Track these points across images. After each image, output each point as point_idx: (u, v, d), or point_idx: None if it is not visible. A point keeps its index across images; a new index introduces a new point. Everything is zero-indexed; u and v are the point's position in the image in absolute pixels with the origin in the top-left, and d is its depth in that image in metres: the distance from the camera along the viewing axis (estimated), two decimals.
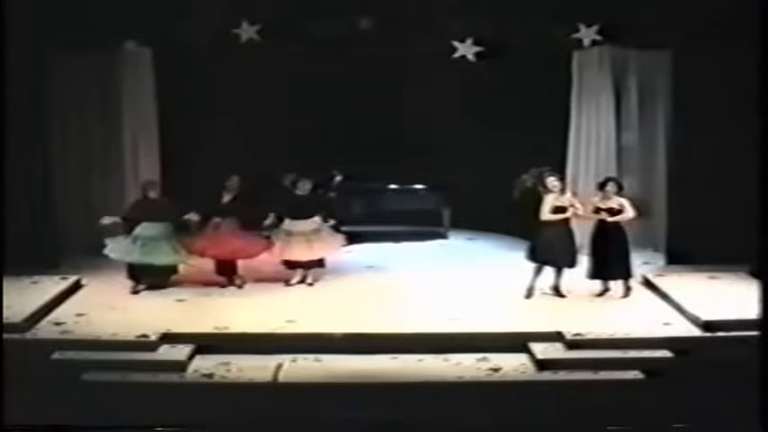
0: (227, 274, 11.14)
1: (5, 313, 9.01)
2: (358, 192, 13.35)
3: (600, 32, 11.93)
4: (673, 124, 11.94)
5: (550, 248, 10.43)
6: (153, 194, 10.92)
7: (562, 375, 8.73)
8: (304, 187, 11.16)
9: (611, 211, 10.43)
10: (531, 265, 10.57)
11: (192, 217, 10.93)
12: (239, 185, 11.10)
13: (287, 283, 11.19)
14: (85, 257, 11.59)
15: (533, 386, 8.58)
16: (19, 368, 7.71)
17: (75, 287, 10.90)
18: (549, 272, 10.59)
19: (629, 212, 10.47)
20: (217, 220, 11.04)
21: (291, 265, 11.25)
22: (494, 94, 12.98)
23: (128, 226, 10.83)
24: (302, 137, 13.20)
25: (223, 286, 11.07)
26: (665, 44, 11.68)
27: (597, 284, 10.67)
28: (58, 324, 9.65)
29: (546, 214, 10.37)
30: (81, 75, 12.12)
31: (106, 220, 10.86)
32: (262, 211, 11.21)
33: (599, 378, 8.65)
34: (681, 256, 11.71)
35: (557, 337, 9.26)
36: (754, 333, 7.84)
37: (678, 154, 11.81)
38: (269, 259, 11.29)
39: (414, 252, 13.07)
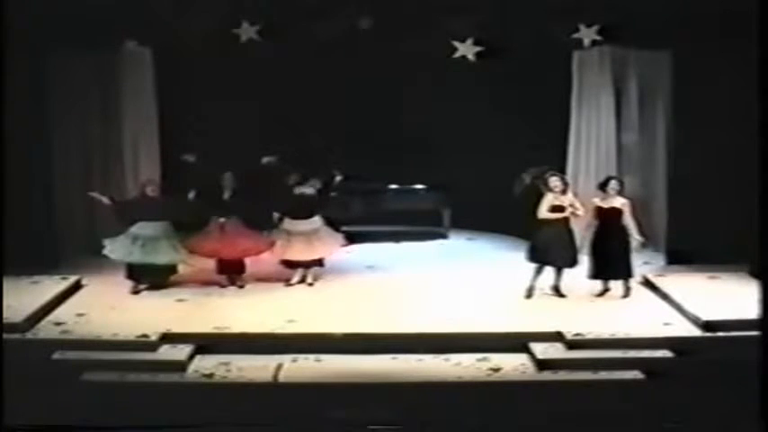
0: (232, 274, 11.11)
1: (5, 313, 9.00)
2: (358, 192, 13.33)
3: (600, 32, 11.91)
4: (673, 124, 11.94)
5: (550, 248, 10.42)
6: (152, 193, 10.92)
7: (562, 375, 8.73)
8: (303, 187, 11.16)
9: (614, 210, 10.42)
10: (531, 265, 10.57)
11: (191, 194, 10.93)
12: (233, 182, 11.06)
13: (287, 283, 11.19)
14: (85, 257, 11.59)
15: (533, 386, 8.58)
16: (19, 368, 7.72)
17: (75, 287, 10.89)
18: (549, 272, 10.59)
19: (626, 214, 10.46)
20: (220, 220, 11.02)
21: (291, 264, 11.25)
22: (493, 95, 12.98)
23: (116, 211, 10.83)
24: (302, 137, 13.20)
25: (223, 286, 11.07)
26: (665, 44, 11.68)
27: (597, 284, 10.67)
28: (58, 324, 9.65)
29: (543, 213, 10.37)
30: (81, 75, 12.10)
31: (93, 195, 10.93)
32: (261, 210, 11.22)
33: (599, 378, 8.65)
34: (681, 256, 11.70)
35: (557, 337, 9.26)
36: (754, 333, 7.85)
37: (678, 154, 11.81)
38: (269, 259, 11.30)
39: (414, 252, 13.05)
